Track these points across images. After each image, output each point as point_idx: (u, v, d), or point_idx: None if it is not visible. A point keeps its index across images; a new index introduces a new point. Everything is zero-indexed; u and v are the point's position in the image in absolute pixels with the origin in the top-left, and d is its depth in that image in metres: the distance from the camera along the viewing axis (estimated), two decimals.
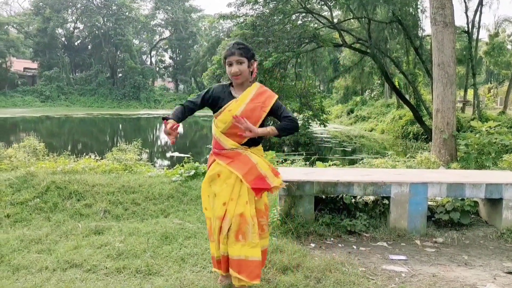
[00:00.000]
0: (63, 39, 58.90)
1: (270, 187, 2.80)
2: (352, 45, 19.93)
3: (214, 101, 2.87)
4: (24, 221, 4.60)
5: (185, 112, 2.85)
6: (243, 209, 2.73)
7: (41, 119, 34.55)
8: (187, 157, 7.12)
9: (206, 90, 2.95)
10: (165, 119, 2.73)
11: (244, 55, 2.78)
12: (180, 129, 2.82)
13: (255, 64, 2.86)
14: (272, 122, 3.18)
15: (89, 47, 61.14)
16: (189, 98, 2.91)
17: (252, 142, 2.87)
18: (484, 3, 19.57)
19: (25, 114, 37.93)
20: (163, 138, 25.92)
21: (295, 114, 20.75)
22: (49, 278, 3.10)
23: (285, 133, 2.87)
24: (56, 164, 6.40)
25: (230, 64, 2.79)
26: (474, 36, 20.27)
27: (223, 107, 2.81)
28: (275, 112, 2.86)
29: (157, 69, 65.83)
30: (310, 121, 20.44)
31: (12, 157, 7.01)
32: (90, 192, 5.26)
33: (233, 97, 2.84)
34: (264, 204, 2.94)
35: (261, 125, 2.83)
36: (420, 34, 18.85)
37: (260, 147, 2.97)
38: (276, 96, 2.90)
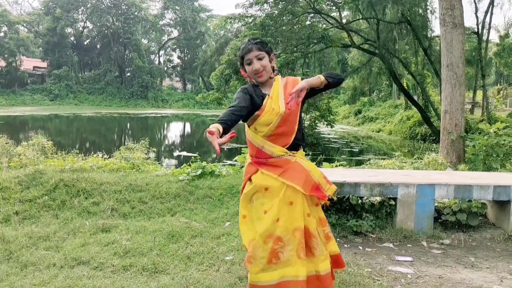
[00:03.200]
0: (72, 38, 59.30)
1: (325, 196, 2.48)
2: (361, 46, 19.87)
3: (252, 101, 2.50)
4: (32, 218, 4.65)
5: (237, 118, 2.38)
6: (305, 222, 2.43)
7: (50, 117, 34.81)
8: (194, 156, 7.15)
9: (240, 91, 2.54)
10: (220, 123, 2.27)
11: (263, 49, 2.52)
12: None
13: (274, 59, 2.60)
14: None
15: (98, 46, 61.52)
16: (231, 106, 2.41)
17: (298, 144, 2.56)
18: (495, 4, 19.43)
19: (34, 112, 38.25)
20: (170, 138, 26.02)
21: (301, 115, 20.76)
22: (57, 275, 3.13)
23: (333, 79, 2.49)
24: (65, 162, 6.46)
25: (250, 63, 2.51)
26: (484, 37, 20.11)
27: (260, 109, 2.47)
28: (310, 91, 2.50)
29: (165, 68, 66.04)
30: (317, 121, 20.40)
31: (21, 155, 7.08)
32: (98, 190, 5.30)
33: (265, 94, 2.53)
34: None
35: (300, 116, 2.57)
36: (429, 35, 18.76)
37: (302, 151, 2.62)
38: (298, 78, 2.59)
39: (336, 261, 2.59)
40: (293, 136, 2.50)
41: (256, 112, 2.47)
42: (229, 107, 2.41)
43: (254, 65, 2.49)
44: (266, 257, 2.31)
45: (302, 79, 2.54)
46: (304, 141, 2.65)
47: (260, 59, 2.50)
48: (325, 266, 2.40)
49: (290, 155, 2.50)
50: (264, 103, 2.47)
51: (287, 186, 2.40)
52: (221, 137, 2.11)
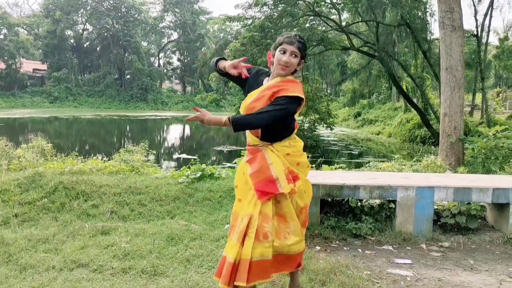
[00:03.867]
0: (72, 40, 59.39)
1: (277, 192, 2.51)
2: (360, 48, 19.91)
3: (248, 81, 2.66)
4: (31, 221, 4.65)
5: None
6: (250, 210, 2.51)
7: (50, 120, 34.82)
8: (193, 159, 7.15)
9: (251, 70, 2.70)
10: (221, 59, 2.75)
11: (301, 51, 2.58)
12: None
13: (302, 65, 2.67)
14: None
15: (98, 48, 61.60)
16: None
17: (273, 137, 2.59)
18: (494, 7, 19.48)
19: (33, 114, 38.26)
20: (170, 140, 26.03)
21: (300, 117, 20.80)
22: (56, 278, 3.13)
23: (240, 126, 2.45)
24: (64, 165, 6.45)
25: (284, 52, 2.54)
26: (484, 40, 20.15)
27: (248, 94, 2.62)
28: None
29: (165, 71, 66.11)
30: (316, 124, 20.42)
31: (20, 157, 7.07)
32: (97, 192, 5.29)
33: (262, 84, 2.62)
34: (283, 212, 2.59)
35: (282, 124, 2.57)
36: (428, 38, 18.79)
37: (287, 142, 2.63)
38: (294, 94, 2.52)
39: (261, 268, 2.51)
40: (259, 130, 2.57)
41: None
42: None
43: (285, 56, 2.53)
44: (254, 237, 2.44)
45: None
46: (288, 134, 2.64)
47: (294, 56, 2.56)
48: (231, 252, 2.46)
49: (262, 145, 2.60)
50: (252, 92, 2.61)
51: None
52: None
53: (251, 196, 2.53)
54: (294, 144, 2.67)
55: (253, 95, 2.58)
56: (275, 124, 2.52)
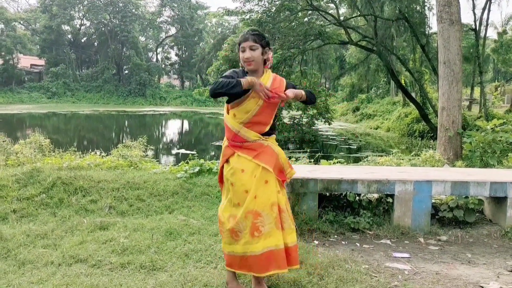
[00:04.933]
0: (69, 36, 59.15)
1: (285, 179, 2.87)
2: (358, 43, 19.86)
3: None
4: (30, 216, 4.65)
5: None
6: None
7: (48, 115, 34.74)
8: (192, 154, 7.15)
9: (231, 71, 2.79)
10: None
11: (258, 42, 2.72)
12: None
13: (270, 53, 2.80)
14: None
15: (95, 44, 61.38)
16: (223, 76, 2.70)
17: (271, 132, 2.85)
18: (492, 1, 19.44)
19: (31, 110, 38.17)
20: (168, 135, 26.02)
21: (299, 112, 20.79)
22: (55, 273, 3.14)
23: (310, 99, 2.91)
24: (62, 160, 6.44)
25: (243, 50, 2.73)
26: (482, 34, 20.13)
27: (245, 95, 2.68)
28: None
29: (163, 66, 65.94)
30: (314, 119, 20.41)
31: (18, 153, 7.06)
32: (96, 188, 5.29)
33: None
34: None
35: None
36: (426, 32, 18.72)
37: (274, 136, 2.91)
38: (285, 81, 2.92)
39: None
40: (268, 126, 2.80)
41: (239, 99, 2.70)
42: (222, 76, 2.68)
43: (246, 53, 2.72)
44: (248, 231, 2.61)
45: (288, 83, 2.91)
46: (276, 130, 2.95)
47: (252, 49, 2.71)
48: (292, 238, 2.69)
49: (263, 139, 2.77)
50: (250, 91, 2.67)
51: (262, 167, 2.68)
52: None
53: (276, 187, 2.71)
54: (275, 137, 2.93)
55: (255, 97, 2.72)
56: (275, 118, 2.84)
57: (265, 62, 2.81)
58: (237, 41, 2.83)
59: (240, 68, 2.88)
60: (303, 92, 2.84)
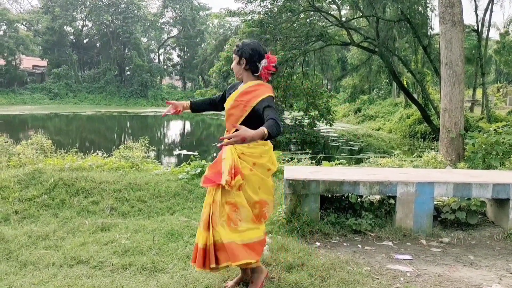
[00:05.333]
0: (71, 37, 59.24)
1: (218, 182, 2.74)
2: (360, 44, 19.84)
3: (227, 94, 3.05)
4: (31, 218, 4.65)
5: (211, 100, 3.19)
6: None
7: (50, 116, 34.79)
8: (193, 155, 7.15)
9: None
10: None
11: (235, 53, 2.94)
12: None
13: (245, 62, 2.86)
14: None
15: (97, 45, 61.46)
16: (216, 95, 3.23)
17: None
18: (495, 2, 19.39)
19: (33, 111, 38.23)
20: (170, 136, 26.04)
21: (301, 113, 20.77)
22: (56, 274, 3.13)
23: (271, 135, 2.55)
24: (64, 161, 6.45)
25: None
26: (484, 35, 20.07)
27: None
28: (258, 111, 2.75)
29: (165, 67, 66.02)
30: (316, 120, 20.41)
31: (20, 154, 7.07)
32: (97, 189, 5.30)
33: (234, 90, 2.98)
34: (234, 201, 2.79)
35: (252, 121, 2.71)
36: (428, 33, 18.68)
37: (254, 145, 2.80)
38: (265, 96, 2.79)
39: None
40: (233, 130, 2.72)
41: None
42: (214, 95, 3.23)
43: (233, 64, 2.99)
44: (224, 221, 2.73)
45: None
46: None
47: (233, 60, 2.98)
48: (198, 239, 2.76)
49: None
50: (229, 97, 2.95)
51: None
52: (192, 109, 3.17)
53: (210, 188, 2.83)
54: (254, 146, 2.83)
55: (229, 101, 2.92)
56: (247, 125, 2.58)
57: (253, 71, 2.89)
58: None
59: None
60: (264, 131, 2.48)
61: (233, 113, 2.87)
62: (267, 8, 18.19)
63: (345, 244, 3.98)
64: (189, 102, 3.16)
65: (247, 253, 2.73)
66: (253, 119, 2.77)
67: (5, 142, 7.62)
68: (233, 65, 2.96)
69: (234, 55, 2.94)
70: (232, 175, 2.76)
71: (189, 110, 3.15)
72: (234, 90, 2.97)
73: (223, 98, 3.07)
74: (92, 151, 7.60)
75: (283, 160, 7.42)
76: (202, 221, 2.76)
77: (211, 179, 2.81)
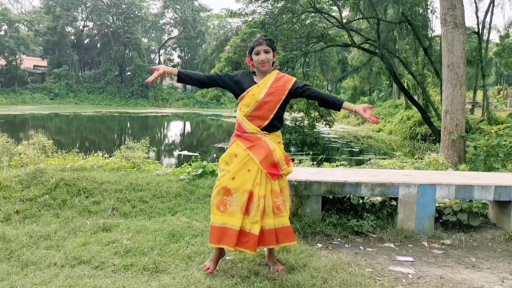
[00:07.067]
0: (72, 37, 59.28)
1: (280, 173, 3.08)
2: (361, 45, 19.84)
3: (238, 85, 3.16)
4: (33, 217, 4.64)
5: (204, 79, 3.20)
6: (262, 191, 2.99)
7: (50, 116, 34.80)
8: (194, 155, 7.15)
9: (233, 73, 3.24)
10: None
11: (271, 46, 3.11)
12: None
13: (276, 56, 3.17)
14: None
15: (98, 45, 61.52)
16: (221, 73, 3.29)
17: (272, 128, 3.13)
18: (495, 4, 19.40)
19: (34, 111, 38.24)
20: (171, 137, 26.05)
21: (301, 114, 20.78)
22: (58, 274, 3.13)
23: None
24: (65, 161, 6.45)
25: (258, 53, 3.09)
26: (485, 37, 20.09)
27: (246, 91, 3.11)
28: (298, 90, 3.11)
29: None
30: (315, 122, 20.42)
31: (21, 154, 7.07)
32: (99, 189, 5.29)
33: (255, 83, 3.13)
34: (280, 187, 3.11)
35: (282, 108, 3.14)
36: (429, 35, 18.68)
37: (278, 133, 3.20)
38: (294, 79, 3.15)
39: (284, 234, 3.07)
40: (267, 121, 3.09)
41: (242, 94, 3.11)
42: (215, 73, 3.32)
43: (261, 56, 3.08)
44: (215, 204, 3.02)
45: (299, 81, 3.19)
46: (281, 127, 3.22)
47: (267, 52, 3.09)
48: (255, 227, 2.93)
49: (261, 134, 3.09)
50: (250, 88, 3.10)
51: (250, 157, 3.02)
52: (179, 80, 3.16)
53: (257, 178, 2.99)
54: (279, 134, 3.24)
55: (261, 90, 3.07)
56: (279, 115, 3.13)
57: (272, 63, 3.16)
58: (249, 45, 3.15)
59: (247, 70, 3.28)
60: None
61: (271, 99, 3.06)
62: (268, 9, 18.19)
63: (346, 245, 3.98)
64: (176, 69, 3.15)
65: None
66: (285, 104, 3.15)
67: (6, 142, 7.63)
68: (268, 56, 3.08)
69: (267, 47, 3.07)
70: (287, 162, 3.16)
71: (175, 77, 3.15)
72: (251, 81, 3.15)
73: (226, 81, 3.18)
74: (93, 151, 7.60)
75: None
76: (240, 205, 2.94)
77: (275, 173, 3.05)
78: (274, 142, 3.10)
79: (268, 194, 3.00)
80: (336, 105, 3.09)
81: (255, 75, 3.19)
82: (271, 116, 3.09)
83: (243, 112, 3.11)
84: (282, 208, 3.07)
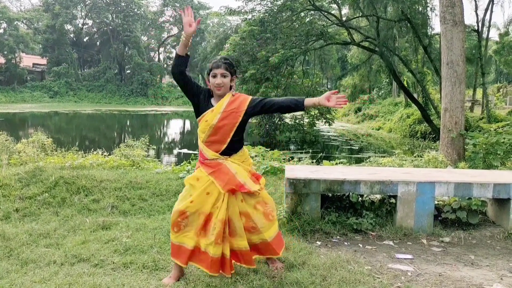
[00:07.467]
0: (71, 35, 59.18)
1: (247, 190, 2.98)
2: (360, 43, 19.83)
3: (196, 98, 3.08)
4: (32, 216, 4.65)
5: (184, 68, 3.03)
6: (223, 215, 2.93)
7: (50, 114, 34.77)
8: (194, 154, 7.15)
9: (201, 88, 3.12)
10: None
11: (229, 70, 3.01)
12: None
13: (235, 80, 3.10)
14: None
15: (98, 43, 61.41)
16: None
17: (231, 151, 3.05)
18: (495, 2, 19.38)
19: (33, 109, 38.21)
20: (170, 135, 26.03)
21: (300, 112, 20.75)
22: (57, 272, 3.14)
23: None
24: (65, 160, 6.46)
25: (215, 76, 2.99)
26: (484, 35, 20.06)
27: (201, 115, 3.04)
28: (254, 109, 3.01)
29: (165, 65, 65.91)
30: (315, 120, 20.40)
31: (21, 152, 7.07)
32: (98, 187, 5.30)
33: (211, 105, 3.04)
34: (263, 199, 3.10)
35: (241, 129, 3.04)
36: (429, 33, 18.66)
37: (241, 152, 3.11)
38: (250, 98, 3.06)
39: (263, 249, 3.08)
40: (225, 145, 3.01)
41: (198, 118, 3.05)
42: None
43: (217, 79, 2.99)
44: (171, 224, 2.99)
45: (254, 99, 3.06)
46: (241, 147, 3.13)
47: (224, 76, 3.00)
48: (209, 248, 2.88)
49: (222, 159, 3.01)
50: (204, 113, 3.02)
51: (212, 181, 2.96)
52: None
53: (217, 202, 2.95)
54: (243, 153, 3.14)
55: (214, 116, 2.98)
56: (239, 137, 3.06)
57: (230, 87, 3.07)
58: (209, 67, 3.07)
59: (208, 89, 3.14)
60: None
61: (225, 123, 2.97)
62: (267, 6, 18.18)
63: (346, 243, 3.98)
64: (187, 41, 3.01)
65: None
66: (242, 126, 3.05)
67: (6, 140, 7.63)
68: (225, 80, 2.99)
69: (224, 71, 2.98)
70: (255, 181, 3.09)
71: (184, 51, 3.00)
72: (208, 103, 3.05)
73: (194, 89, 3.08)
74: (92, 150, 7.60)
75: (283, 159, 7.42)
76: (195, 227, 2.94)
77: (243, 189, 2.98)
78: (236, 164, 3.02)
79: (236, 217, 2.97)
80: (299, 107, 2.95)
81: (212, 96, 3.10)
82: (228, 140, 3.00)
83: (201, 139, 3.05)
84: (256, 227, 3.03)
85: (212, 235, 2.87)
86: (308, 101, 2.91)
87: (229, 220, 2.96)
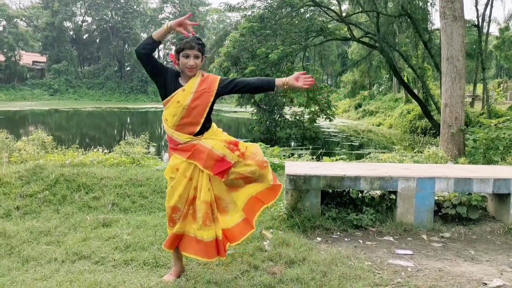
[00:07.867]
0: (71, 32, 59.13)
1: (231, 165, 2.90)
2: (361, 39, 19.79)
3: (162, 78, 2.93)
4: (33, 213, 4.66)
5: (152, 53, 2.93)
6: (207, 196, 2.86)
7: (50, 112, 34.78)
8: None
9: (166, 68, 2.98)
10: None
11: (201, 51, 2.90)
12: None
13: (204, 60, 2.99)
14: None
15: (97, 40, 61.35)
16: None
17: (204, 130, 2.96)
18: None
19: (33, 107, 38.22)
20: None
21: (301, 108, 20.74)
22: (58, 270, 3.14)
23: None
24: (65, 157, 6.46)
25: (187, 56, 2.86)
26: (485, 30, 20.04)
27: (170, 96, 2.90)
28: (224, 88, 2.94)
29: (165, 63, 65.75)
30: (316, 116, 20.40)
31: (21, 150, 7.08)
32: (98, 185, 5.30)
33: (180, 85, 2.91)
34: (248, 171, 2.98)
35: (211, 109, 2.96)
36: (429, 28, 18.64)
37: (212, 129, 3.01)
38: (219, 77, 2.99)
39: (267, 195, 3.04)
40: (199, 126, 2.92)
41: (165, 99, 2.91)
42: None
43: (190, 61, 2.86)
44: (167, 220, 2.94)
45: (224, 79, 2.99)
46: (211, 125, 3.03)
47: (197, 57, 2.88)
48: (203, 234, 2.82)
49: (196, 139, 2.91)
50: (175, 92, 2.89)
51: (194, 165, 2.87)
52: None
53: (198, 184, 2.87)
54: (213, 129, 3.03)
55: (186, 96, 2.87)
56: (208, 116, 2.96)
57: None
58: (179, 45, 2.91)
59: (174, 69, 3.02)
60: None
61: (198, 103, 2.88)
62: (267, 3, 18.13)
63: (346, 239, 3.99)
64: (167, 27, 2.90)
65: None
66: (212, 105, 2.98)
67: (6, 138, 7.64)
68: (197, 61, 2.88)
69: (198, 52, 2.87)
70: (233, 149, 2.95)
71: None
72: (176, 83, 2.93)
73: (158, 65, 2.93)
74: (92, 147, 7.61)
75: (284, 155, 7.42)
76: (202, 218, 2.82)
77: (222, 170, 2.88)
78: (210, 139, 2.93)
79: (225, 192, 2.93)
80: (270, 86, 2.92)
81: (179, 76, 2.96)
82: (202, 121, 2.91)
83: (171, 123, 2.90)
84: (227, 209, 2.97)
85: (200, 218, 2.81)
86: (279, 80, 2.91)
87: (218, 199, 2.91)
